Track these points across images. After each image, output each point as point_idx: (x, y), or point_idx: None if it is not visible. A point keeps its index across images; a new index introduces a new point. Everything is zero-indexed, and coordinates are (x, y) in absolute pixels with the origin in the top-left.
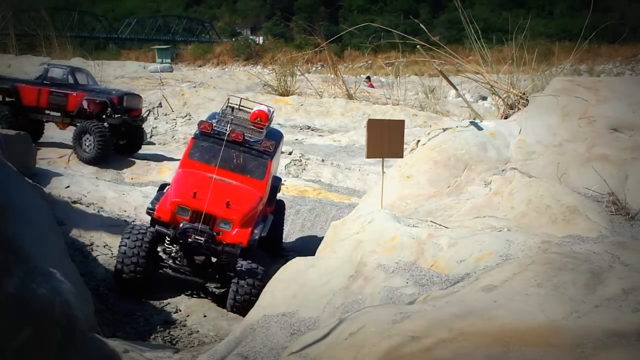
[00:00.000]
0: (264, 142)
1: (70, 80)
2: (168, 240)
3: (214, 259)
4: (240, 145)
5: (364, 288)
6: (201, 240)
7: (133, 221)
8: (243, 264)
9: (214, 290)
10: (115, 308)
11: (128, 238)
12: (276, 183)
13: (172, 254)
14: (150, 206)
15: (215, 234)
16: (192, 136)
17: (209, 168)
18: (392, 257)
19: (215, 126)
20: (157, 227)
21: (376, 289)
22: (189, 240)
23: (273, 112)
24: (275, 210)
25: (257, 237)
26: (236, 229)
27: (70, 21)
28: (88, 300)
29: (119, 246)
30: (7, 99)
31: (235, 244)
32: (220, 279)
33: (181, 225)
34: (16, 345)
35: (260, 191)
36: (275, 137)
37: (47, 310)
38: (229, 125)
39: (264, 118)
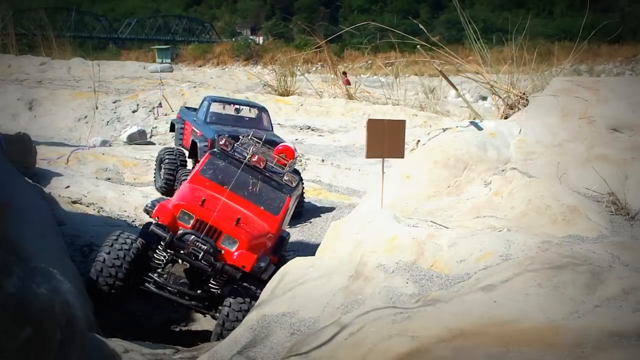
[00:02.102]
0: (286, 174)
1: None
2: (160, 247)
3: (206, 289)
4: (260, 173)
5: (364, 288)
6: (200, 252)
7: (133, 221)
8: (236, 295)
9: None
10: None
11: (111, 246)
12: (284, 235)
13: (159, 268)
14: (149, 204)
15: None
16: (209, 152)
17: (220, 189)
18: (392, 257)
19: (236, 146)
20: (152, 227)
21: (376, 289)
22: (186, 250)
23: (297, 152)
24: (279, 265)
25: (262, 266)
26: (241, 251)
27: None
28: (88, 300)
29: (99, 253)
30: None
31: (237, 267)
32: (206, 304)
33: (180, 231)
34: (16, 345)
35: (272, 227)
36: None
37: (47, 310)
38: (251, 148)
39: (289, 154)
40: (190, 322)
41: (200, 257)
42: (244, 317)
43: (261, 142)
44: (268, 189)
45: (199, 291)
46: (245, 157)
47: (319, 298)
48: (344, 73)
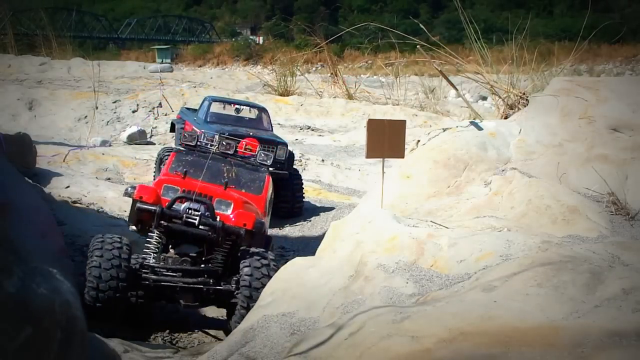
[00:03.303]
0: (260, 153)
1: None
2: (152, 226)
3: (211, 261)
4: (233, 158)
5: (364, 288)
6: (195, 217)
7: None
8: (252, 255)
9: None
10: None
11: (101, 256)
12: (268, 241)
13: (153, 255)
14: (128, 188)
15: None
16: (174, 150)
17: (194, 181)
18: (392, 257)
19: (200, 140)
20: (138, 205)
21: (376, 289)
22: (180, 220)
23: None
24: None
25: (264, 222)
26: (237, 211)
27: (70, 21)
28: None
29: (89, 265)
30: None
31: (238, 227)
32: (215, 279)
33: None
34: (16, 345)
35: (259, 207)
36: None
37: (47, 310)
38: (215, 137)
39: (254, 146)
40: (190, 322)
41: (197, 223)
42: (269, 275)
43: (225, 134)
44: (245, 172)
45: (202, 266)
46: (211, 148)
47: (319, 298)
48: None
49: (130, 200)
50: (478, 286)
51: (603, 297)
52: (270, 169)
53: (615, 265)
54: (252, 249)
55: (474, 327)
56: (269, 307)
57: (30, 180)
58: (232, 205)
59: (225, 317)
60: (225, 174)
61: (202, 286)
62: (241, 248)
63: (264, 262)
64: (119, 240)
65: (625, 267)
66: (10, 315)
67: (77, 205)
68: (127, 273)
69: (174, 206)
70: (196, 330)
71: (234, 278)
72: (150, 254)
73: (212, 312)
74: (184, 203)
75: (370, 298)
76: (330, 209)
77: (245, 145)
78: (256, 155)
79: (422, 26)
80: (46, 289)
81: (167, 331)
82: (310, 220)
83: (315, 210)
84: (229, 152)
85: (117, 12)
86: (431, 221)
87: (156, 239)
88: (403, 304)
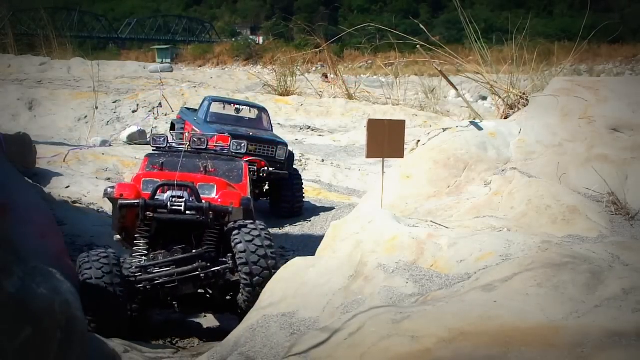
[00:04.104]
0: (232, 145)
1: None
2: (138, 226)
3: (203, 245)
4: (206, 152)
5: (364, 288)
6: (180, 204)
7: None
8: (240, 228)
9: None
10: None
11: (89, 268)
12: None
13: (142, 254)
14: (107, 189)
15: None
16: (145, 155)
17: (172, 173)
18: (392, 257)
19: (171, 141)
20: (120, 201)
21: (376, 289)
22: (166, 209)
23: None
24: None
25: (250, 199)
26: (222, 192)
27: (70, 21)
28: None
29: (82, 286)
30: None
31: (225, 205)
32: (210, 263)
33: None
34: (16, 345)
35: (243, 193)
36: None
37: (47, 310)
38: (185, 135)
39: (225, 142)
40: (190, 322)
41: (183, 208)
42: (264, 245)
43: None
44: (221, 163)
45: (194, 251)
46: (183, 147)
47: (319, 298)
48: (325, 75)
49: (112, 205)
50: (478, 286)
51: (603, 297)
52: (270, 169)
53: (615, 265)
54: (240, 222)
55: (474, 327)
56: (269, 307)
57: (30, 180)
58: (215, 188)
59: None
60: (202, 170)
61: (199, 272)
62: (229, 225)
63: (255, 233)
64: (104, 251)
65: (625, 267)
66: (10, 315)
67: (77, 205)
68: (120, 278)
69: (156, 197)
70: (196, 330)
71: (229, 255)
72: (141, 258)
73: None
74: (166, 192)
75: (370, 298)
76: (330, 209)
77: (217, 141)
78: (229, 146)
79: (422, 26)
80: (46, 289)
81: (167, 331)
82: (310, 220)
83: (315, 210)
84: (201, 147)
85: (117, 12)
86: (431, 221)
87: (143, 241)
88: (403, 304)
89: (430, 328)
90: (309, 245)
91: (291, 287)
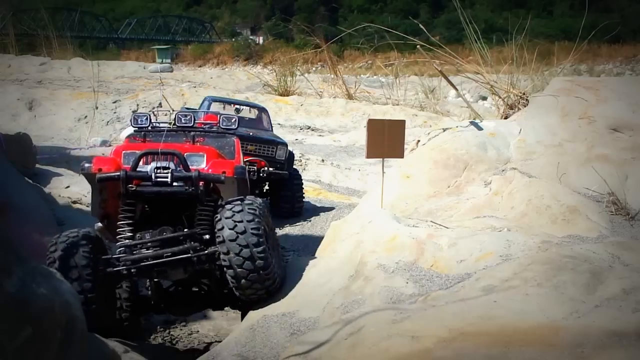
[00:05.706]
0: (222, 121)
1: None
2: (123, 201)
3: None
4: (194, 130)
5: (364, 288)
6: (166, 175)
7: None
8: (225, 204)
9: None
10: None
11: (54, 251)
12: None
13: (127, 236)
14: (85, 165)
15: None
16: (127, 137)
17: (156, 144)
18: (392, 257)
19: (154, 121)
20: (98, 176)
21: (376, 289)
22: (150, 181)
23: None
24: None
25: (245, 167)
26: (213, 161)
27: (70, 21)
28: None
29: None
30: None
31: (217, 174)
32: (203, 246)
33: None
34: (16, 345)
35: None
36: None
37: (47, 310)
38: (171, 114)
39: (215, 120)
40: (190, 322)
41: (170, 179)
42: (249, 220)
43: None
44: (211, 140)
45: (185, 230)
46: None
47: (319, 298)
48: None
49: (90, 183)
50: (478, 286)
51: (603, 297)
52: (270, 169)
53: (615, 265)
54: (229, 199)
55: (474, 327)
56: (269, 307)
57: (30, 180)
58: (205, 157)
59: (225, 311)
60: (190, 139)
61: (190, 254)
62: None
63: (238, 208)
64: (75, 230)
65: (625, 267)
66: (10, 315)
67: (77, 205)
68: (90, 260)
69: (139, 168)
70: (196, 330)
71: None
72: (125, 239)
73: (212, 312)
74: (149, 163)
75: (370, 298)
76: (330, 209)
77: (205, 120)
78: (218, 122)
79: (421, 26)
80: (46, 289)
81: (167, 331)
82: (310, 220)
83: (315, 210)
84: (188, 124)
85: (117, 12)
86: (431, 221)
87: (127, 222)
88: (403, 304)
89: (430, 328)
90: (309, 245)
91: (291, 287)
